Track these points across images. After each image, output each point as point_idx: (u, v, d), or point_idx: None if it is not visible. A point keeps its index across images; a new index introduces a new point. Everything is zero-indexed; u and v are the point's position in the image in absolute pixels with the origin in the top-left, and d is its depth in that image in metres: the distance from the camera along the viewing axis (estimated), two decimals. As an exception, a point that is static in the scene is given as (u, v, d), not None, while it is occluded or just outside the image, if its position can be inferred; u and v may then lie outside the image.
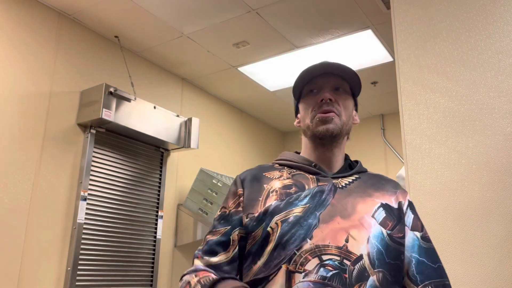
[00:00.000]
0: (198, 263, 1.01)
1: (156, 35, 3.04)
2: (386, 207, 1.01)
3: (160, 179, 3.24)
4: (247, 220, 1.01)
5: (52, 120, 2.65)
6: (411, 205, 1.07)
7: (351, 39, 3.03)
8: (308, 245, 0.93)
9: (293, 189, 1.02)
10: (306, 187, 1.02)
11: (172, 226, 3.34)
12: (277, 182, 1.04)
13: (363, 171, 1.11)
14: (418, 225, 1.05)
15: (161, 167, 3.26)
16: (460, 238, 1.64)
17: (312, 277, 0.90)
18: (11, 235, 2.36)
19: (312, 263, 0.91)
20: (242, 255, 1.02)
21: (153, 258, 3.07)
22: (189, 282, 0.96)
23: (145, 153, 3.15)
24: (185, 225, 3.34)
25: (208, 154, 3.78)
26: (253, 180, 1.07)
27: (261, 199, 1.02)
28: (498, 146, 1.65)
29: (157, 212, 3.17)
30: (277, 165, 1.12)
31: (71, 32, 2.86)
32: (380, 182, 1.08)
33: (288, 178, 1.05)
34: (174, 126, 3.15)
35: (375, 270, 0.93)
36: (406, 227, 1.03)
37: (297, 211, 0.98)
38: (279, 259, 0.94)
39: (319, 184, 1.03)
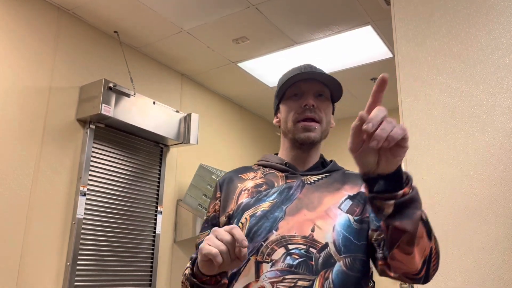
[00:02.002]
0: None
1: (155, 31, 3.03)
2: (353, 197, 1.06)
3: (159, 174, 3.24)
4: (225, 219, 1.07)
5: (51, 115, 2.65)
6: None
7: (351, 35, 3.03)
8: (274, 236, 0.98)
9: (263, 187, 1.08)
10: (276, 184, 1.08)
11: (171, 221, 3.34)
12: (250, 182, 1.11)
13: (337, 169, 1.15)
14: None
15: (160, 163, 3.26)
16: (460, 235, 1.64)
17: (279, 265, 0.95)
18: (10, 231, 2.36)
19: (279, 253, 0.96)
20: None
21: (153, 253, 3.08)
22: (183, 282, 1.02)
23: (145, 149, 3.15)
24: (185, 220, 3.34)
25: (207, 149, 3.78)
26: (229, 182, 1.13)
27: (234, 197, 1.08)
28: (497, 143, 1.65)
29: (157, 207, 3.17)
30: (255, 166, 1.18)
31: (71, 27, 2.85)
32: (351, 177, 1.13)
33: (260, 178, 1.11)
34: (174, 121, 3.15)
35: (342, 256, 0.97)
36: None
37: (264, 206, 1.03)
38: (248, 251, 0.97)
39: (288, 181, 1.08)
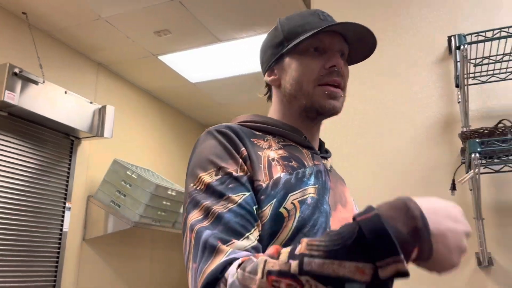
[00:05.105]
0: (222, 257, 0.60)
1: (70, 15, 2.83)
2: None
3: (69, 168, 3.04)
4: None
5: None
6: None
7: (273, 37, 3.08)
8: None
9: (293, 163, 0.79)
10: (305, 163, 0.81)
11: (81, 218, 3.16)
12: (271, 152, 0.78)
13: None
14: None
15: (70, 156, 3.07)
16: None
17: None
18: None
19: None
20: None
21: (58, 252, 2.89)
22: None
23: (53, 141, 2.94)
24: (96, 217, 3.18)
25: (123, 144, 3.63)
26: (247, 140, 0.78)
27: (261, 166, 0.74)
28: (401, 149, 1.78)
29: (65, 203, 2.98)
30: (254, 130, 0.84)
31: (-30, 3, 2.57)
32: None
33: (280, 149, 0.80)
34: (87, 113, 2.97)
35: None
36: None
37: (311, 191, 0.76)
38: None
39: (315, 162, 0.83)
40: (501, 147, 1.37)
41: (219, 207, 0.66)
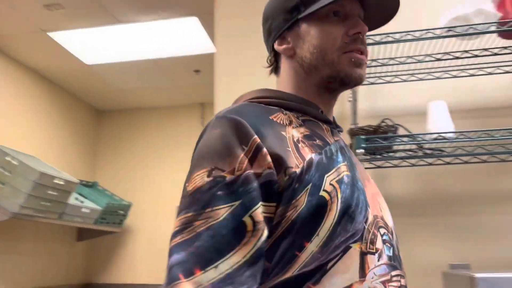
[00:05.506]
0: None
1: None
2: None
3: None
4: (285, 178, 0.64)
5: None
6: None
7: (177, 23, 2.99)
8: (370, 215, 0.70)
9: (318, 141, 0.73)
10: (328, 140, 0.75)
11: None
12: (293, 130, 0.72)
13: None
14: None
15: None
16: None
17: (384, 258, 0.68)
18: None
19: (380, 240, 0.69)
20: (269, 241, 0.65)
21: None
22: None
23: None
24: (-34, 208, 2.83)
25: (2, 127, 3.26)
26: (264, 123, 0.69)
27: (290, 149, 0.67)
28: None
29: None
30: (270, 106, 0.78)
31: None
32: None
33: (301, 126, 0.74)
34: (-42, 90, 2.61)
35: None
36: None
37: (343, 169, 0.71)
38: (345, 236, 0.64)
39: (335, 138, 0.78)
40: (382, 144, 1.48)
41: (199, 222, 0.60)
